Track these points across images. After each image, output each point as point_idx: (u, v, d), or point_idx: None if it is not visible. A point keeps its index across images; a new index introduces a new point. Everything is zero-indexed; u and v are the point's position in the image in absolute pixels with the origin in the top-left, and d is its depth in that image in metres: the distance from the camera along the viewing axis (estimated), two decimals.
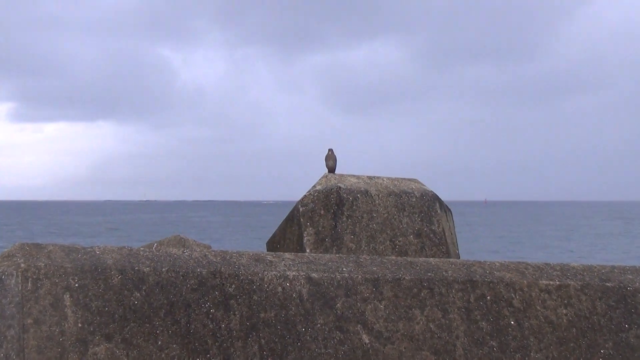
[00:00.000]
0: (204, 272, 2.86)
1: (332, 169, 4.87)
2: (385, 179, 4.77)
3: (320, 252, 4.25)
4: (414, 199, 4.59)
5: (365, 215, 4.45)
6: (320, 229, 4.46)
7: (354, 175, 4.75)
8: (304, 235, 4.34)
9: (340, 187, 4.50)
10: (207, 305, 2.79)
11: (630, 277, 3.06)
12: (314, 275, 3.08)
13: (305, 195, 4.51)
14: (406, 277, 3.10)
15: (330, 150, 4.90)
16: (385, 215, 4.48)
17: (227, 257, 3.05)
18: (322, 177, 4.68)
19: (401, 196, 4.60)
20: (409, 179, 5.06)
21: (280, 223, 4.85)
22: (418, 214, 4.56)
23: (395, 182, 4.76)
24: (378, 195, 4.54)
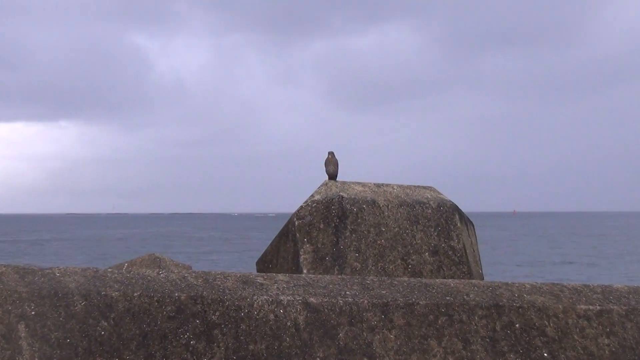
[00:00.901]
0: (182, 297, 2.86)
1: (333, 176, 4.88)
2: (395, 187, 4.80)
3: (320, 273, 4.28)
4: (429, 211, 4.63)
5: (372, 229, 4.49)
6: (319, 245, 4.47)
7: (359, 183, 4.79)
8: (301, 253, 4.37)
9: (342, 197, 4.54)
10: (186, 335, 2.78)
11: None
12: (312, 300, 3.08)
13: (301, 206, 4.53)
14: (420, 302, 3.10)
15: (331, 153, 4.91)
16: (396, 229, 4.53)
17: (210, 280, 3.06)
18: (321, 185, 4.71)
19: (414, 207, 4.64)
20: (424, 187, 5.06)
21: (272, 239, 4.86)
22: (434, 228, 4.59)
23: (408, 191, 4.80)
24: (387, 206, 4.59)
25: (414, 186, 5.06)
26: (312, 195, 4.63)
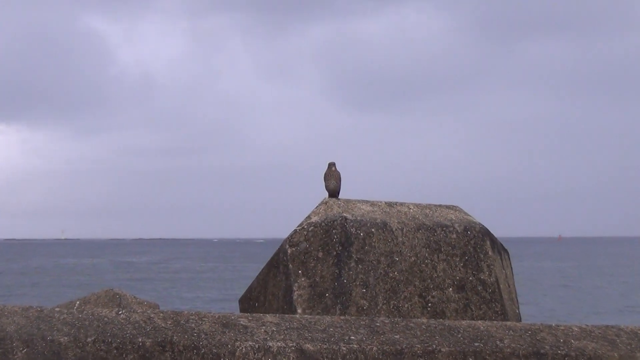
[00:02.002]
0: (148, 343, 2.85)
1: (334, 192, 4.92)
2: (412, 207, 4.84)
3: (318, 313, 4.27)
4: (454, 235, 4.68)
5: (382, 258, 4.53)
6: (317, 279, 4.46)
7: (366, 201, 4.82)
8: (294, 288, 4.39)
9: (346, 219, 4.58)
10: None
11: None
12: (309, 346, 3.06)
13: (295, 230, 4.58)
14: (443, 349, 3.08)
15: (332, 165, 4.95)
16: (413, 258, 4.57)
17: (182, 321, 3.06)
18: (320, 204, 4.77)
19: (435, 231, 4.67)
20: (447, 207, 4.97)
21: (259, 271, 4.85)
22: (460, 257, 4.63)
23: (427, 211, 4.83)
24: (402, 230, 4.63)
25: (435, 205, 5.01)
26: (309, 217, 4.66)
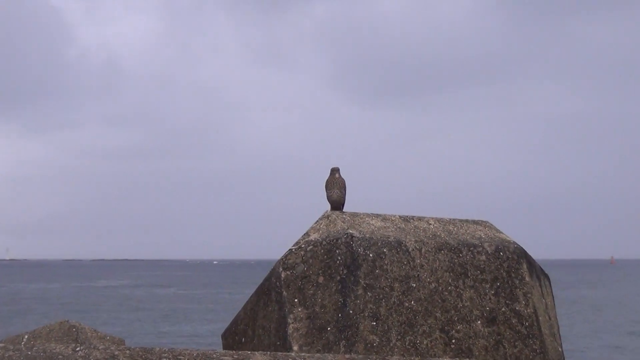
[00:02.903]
0: None
1: (338, 204, 4.96)
2: (432, 222, 4.86)
3: (318, 350, 4.28)
4: (483, 257, 4.71)
5: (397, 285, 4.54)
6: (317, 309, 4.47)
7: (377, 215, 4.85)
8: (289, 320, 4.40)
9: (352, 236, 4.60)
10: None
11: None
12: None
13: (290, 250, 4.61)
14: None
15: (336, 171, 4.97)
16: (433, 285, 4.58)
17: None
18: (320, 219, 4.80)
19: (461, 252, 4.69)
20: (475, 222, 5.03)
21: (247, 299, 4.89)
22: (490, 284, 4.64)
23: (451, 227, 4.86)
24: (420, 250, 4.65)
25: (461, 220, 5.01)
26: (307, 234, 4.68)
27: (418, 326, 4.48)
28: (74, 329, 6.05)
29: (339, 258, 4.57)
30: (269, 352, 3.45)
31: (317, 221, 4.81)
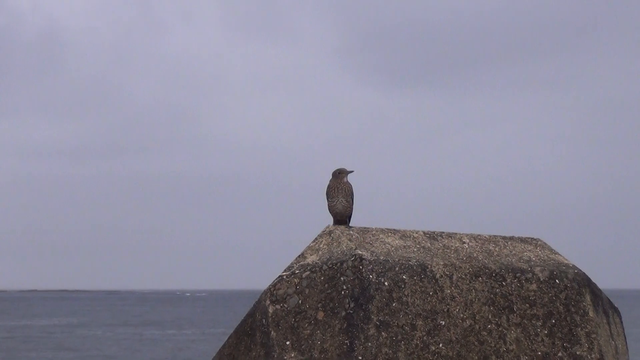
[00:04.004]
0: None
1: (343, 216, 4.98)
2: (467, 240, 4.93)
3: None
4: (533, 286, 4.70)
5: (420, 322, 4.53)
6: (315, 354, 4.44)
7: (394, 231, 4.89)
8: None
9: (362, 258, 4.57)
10: None
11: None
12: None
13: (281, 277, 4.64)
14: None
15: (341, 173, 4.98)
16: (468, 322, 4.58)
17: None
18: (320, 236, 4.85)
19: (504, 279, 4.70)
20: (523, 240, 5.07)
21: (224, 342, 4.85)
22: (543, 321, 4.65)
23: (491, 247, 4.92)
24: (450, 277, 4.64)
25: (504, 238, 5.03)
26: (302, 256, 4.72)
27: None
28: None
29: (345, 287, 4.54)
30: None
31: (316, 239, 4.80)
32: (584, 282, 4.78)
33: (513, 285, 4.70)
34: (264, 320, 4.55)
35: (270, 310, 4.53)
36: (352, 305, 4.50)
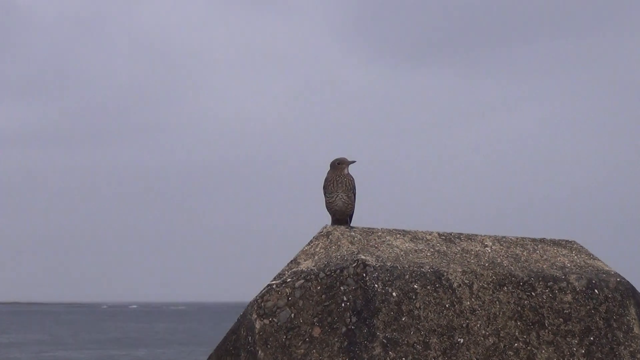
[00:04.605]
0: None
1: (343, 214, 4.97)
2: (489, 243, 4.91)
3: None
4: (568, 297, 4.68)
5: (434, 339, 4.48)
6: None
7: (403, 232, 4.85)
8: None
9: (365, 264, 4.56)
10: None
11: None
12: None
13: (270, 286, 4.60)
14: None
15: (341, 164, 5.00)
16: (491, 340, 4.54)
17: None
18: (317, 238, 4.82)
19: (534, 288, 4.65)
20: (556, 242, 5.07)
21: None
22: (580, 338, 4.60)
23: (519, 251, 4.90)
24: (470, 287, 4.61)
25: (533, 240, 5.01)
26: (295, 261, 4.69)
27: None
28: None
29: (345, 299, 4.51)
30: None
31: (312, 241, 4.79)
32: (628, 293, 4.75)
33: (544, 296, 4.68)
34: (249, 338, 4.52)
35: (258, 325, 4.50)
36: (354, 319, 4.46)
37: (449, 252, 4.81)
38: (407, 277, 4.57)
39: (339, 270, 4.55)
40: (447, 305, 4.56)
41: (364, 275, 4.52)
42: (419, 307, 4.53)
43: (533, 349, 4.57)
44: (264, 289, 4.61)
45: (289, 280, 4.58)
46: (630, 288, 4.77)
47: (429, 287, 4.58)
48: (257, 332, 4.48)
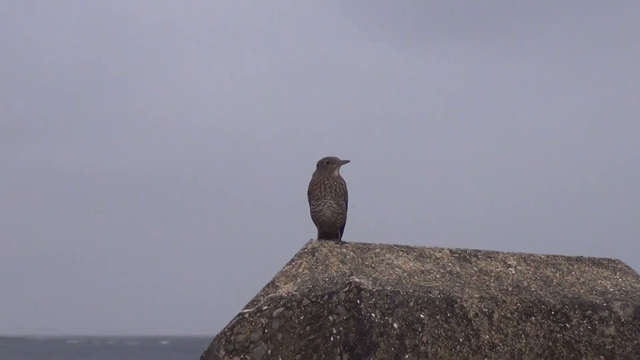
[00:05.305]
0: None
1: (332, 226, 4.98)
2: (513, 262, 4.91)
3: None
4: (611, 329, 4.62)
5: None
6: None
7: (406, 249, 4.85)
8: None
9: (360, 289, 4.48)
10: None
11: None
12: None
13: (241, 316, 4.56)
14: None
15: (330, 163, 4.99)
16: None
17: None
18: (299, 255, 4.80)
19: (569, 318, 4.60)
20: (595, 262, 5.06)
21: None
22: None
23: (549, 272, 4.90)
24: (489, 316, 4.54)
25: (568, 259, 5.02)
26: (273, 284, 4.67)
27: None
28: None
29: (335, 331, 4.44)
30: None
31: (293, 260, 4.76)
32: None
33: (581, 329, 4.61)
34: None
35: None
36: (345, 357, 4.37)
37: (463, 273, 4.76)
38: (411, 304, 4.48)
39: (327, 296, 4.47)
40: (460, 340, 4.46)
41: (358, 302, 4.42)
42: (426, 342, 4.42)
43: None
44: (234, 319, 4.53)
45: (265, 308, 4.51)
46: None
47: (438, 316, 4.48)
48: None
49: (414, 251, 4.83)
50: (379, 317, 4.38)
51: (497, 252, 4.93)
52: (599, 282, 4.87)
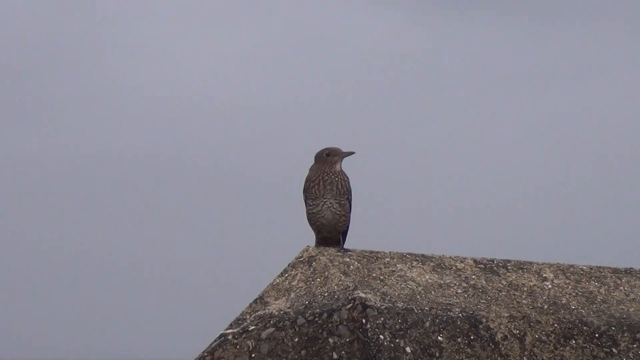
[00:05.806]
0: None
1: (332, 230, 4.94)
2: (549, 274, 4.84)
3: None
4: None
5: None
6: None
7: (421, 259, 4.71)
8: None
9: (366, 305, 4.43)
10: None
11: None
12: None
13: (223, 337, 4.50)
14: None
15: (331, 155, 4.82)
16: None
17: None
18: (294, 265, 4.80)
19: (616, 343, 4.59)
20: None
21: None
22: None
23: (592, 287, 4.94)
24: (521, 339, 4.41)
25: (615, 271, 5.02)
26: (262, 300, 4.65)
27: None
28: None
29: (336, 356, 4.39)
30: None
31: (286, 271, 4.70)
32: None
33: (631, 354, 4.58)
34: None
35: None
36: None
37: (489, 287, 4.73)
38: (427, 324, 4.43)
39: (326, 314, 4.42)
40: None
41: (364, 321, 4.36)
42: None
43: None
44: (215, 341, 4.46)
45: (252, 328, 4.46)
46: None
47: (459, 339, 4.44)
48: None
49: (431, 261, 4.76)
50: (388, 339, 4.32)
51: (531, 263, 4.88)
52: None
